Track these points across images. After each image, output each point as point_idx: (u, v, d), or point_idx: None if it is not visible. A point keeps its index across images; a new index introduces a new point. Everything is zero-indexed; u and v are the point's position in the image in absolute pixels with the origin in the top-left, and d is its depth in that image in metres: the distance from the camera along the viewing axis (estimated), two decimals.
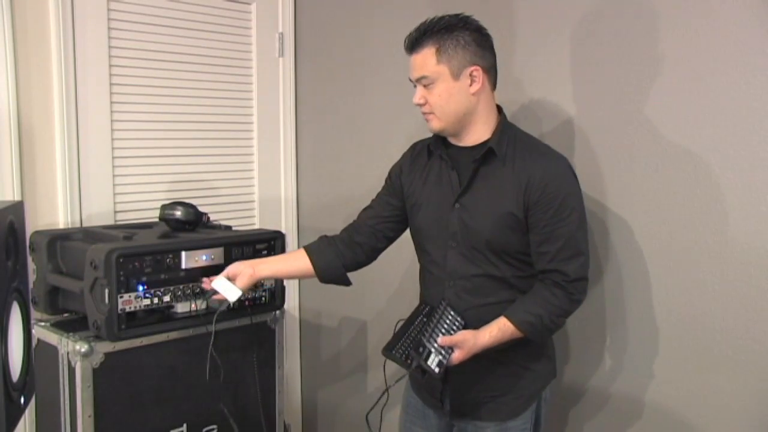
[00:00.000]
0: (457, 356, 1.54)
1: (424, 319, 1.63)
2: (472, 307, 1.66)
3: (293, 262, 1.88)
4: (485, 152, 1.62)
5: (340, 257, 1.83)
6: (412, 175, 1.79)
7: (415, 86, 1.65)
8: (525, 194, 1.57)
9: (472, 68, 1.58)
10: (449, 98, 1.60)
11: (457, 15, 1.60)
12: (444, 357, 1.51)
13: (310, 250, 1.85)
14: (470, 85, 1.59)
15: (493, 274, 1.64)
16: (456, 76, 1.58)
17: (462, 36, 1.58)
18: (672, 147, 1.76)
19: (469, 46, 1.58)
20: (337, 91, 2.64)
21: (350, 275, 1.86)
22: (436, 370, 1.48)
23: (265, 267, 1.85)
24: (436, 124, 1.64)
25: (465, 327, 1.61)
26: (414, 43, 1.61)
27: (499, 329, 1.58)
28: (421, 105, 1.64)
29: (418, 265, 1.91)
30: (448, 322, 1.60)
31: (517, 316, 1.59)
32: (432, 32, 1.58)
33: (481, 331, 1.58)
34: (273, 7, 2.69)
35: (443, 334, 1.55)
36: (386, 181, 1.87)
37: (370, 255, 1.86)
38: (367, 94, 2.53)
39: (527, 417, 1.68)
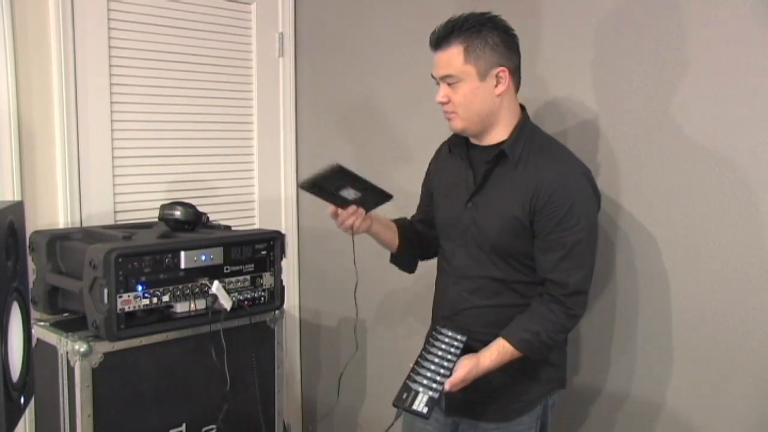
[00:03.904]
0: (454, 383, 1.52)
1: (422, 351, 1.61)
2: (476, 307, 1.66)
3: (393, 232, 1.86)
4: (497, 154, 1.61)
5: (418, 242, 1.88)
6: (437, 170, 1.83)
7: (437, 83, 1.62)
8: (532, 199, 1.55)
9: (499, 69, 1.56)
10: (473, 98, 1.57)
11: (484, 14, 1.58)
12: (435, 390, 1.49)
13: (400, 227, 1.87)
14: (495, 86, 1.57)
15: (496, 276, 1.63)
16: (482, 76, 1.56)
17: (491, 36, 1.55)
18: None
19: (497, 47, 1.55)
20: (337, 91, 2.64)
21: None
22: (425, 410, 1.46)
23: (378, 223, 1.82)
24: (458, 124, 1.62)
25: (465, 343, 1.59)
26: (441, 40, 1.57)
27: (498, 352, 1.56)
28: (444, 103, 1.61)
29: (419, 266, 1.91)
30: (444, 346, 1.59)
31: (514, 335, 1.56)
32: (460, 30, 1.55)
33: (482, 356, 1.56)
34: (273, 7, 2.69)
35: (440, 362, 1.54)
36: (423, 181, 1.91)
37: (431, 253, 1.90)
38: (367, 94, 2.53)
39: (530, 423, 1.67)
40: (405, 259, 1.91)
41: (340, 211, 1.70)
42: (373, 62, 2.50)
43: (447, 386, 1.51)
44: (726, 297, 1.70)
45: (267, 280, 2.05)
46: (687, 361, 1.79)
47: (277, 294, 2.09)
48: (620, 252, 1.88)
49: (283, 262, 2.11)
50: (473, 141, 1.68)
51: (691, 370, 1.78)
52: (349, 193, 1.69)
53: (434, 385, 1.50)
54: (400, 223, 1.90)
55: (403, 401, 1.47)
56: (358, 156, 2.58)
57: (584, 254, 1.56)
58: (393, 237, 1.86)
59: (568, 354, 1.77)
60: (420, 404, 1.47)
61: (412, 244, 1.88)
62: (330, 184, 1.66)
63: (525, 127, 1.63)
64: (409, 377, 1.52)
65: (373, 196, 1.72)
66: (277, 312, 2.12)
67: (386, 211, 1.89)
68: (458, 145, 1.71)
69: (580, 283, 1.56)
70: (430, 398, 1.48)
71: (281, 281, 2.10)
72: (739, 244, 1.67)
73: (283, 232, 2.16)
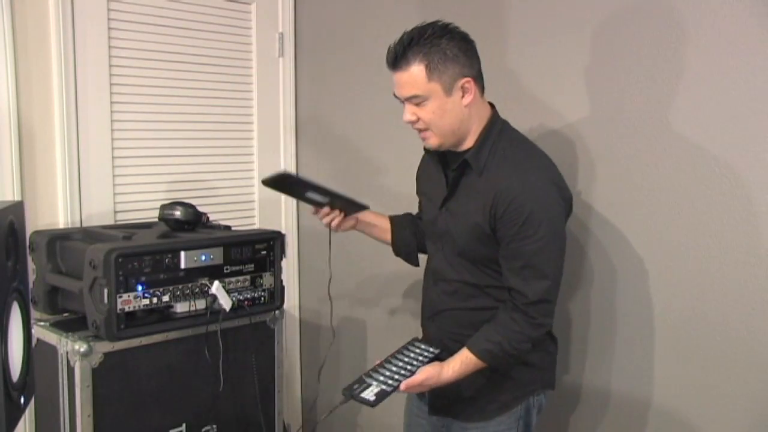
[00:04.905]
0: (410, 384, 1.53)
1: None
2: (453, 309, 1.68)
3: (384, 226, 1.91)
4: (461, 162, 1.60)
5: (415, 237, 1.89)
6: (422, 173, 1.84)
7: (402, 102, 1.58)
8: (492, 208, 1.54)
9: (464, 81, 1.53)
10: (443, 114, 1.54)
11: (435, 23, 1.53)
12: (389, 386, 1.51)
13: (393, 222, 1.91)
14: (462, 97, 1.54)
15: (469, 281, 1.64)
16: (448, 91, 1.52)
17: (449, 48, 1.50)
18: (669, 146, 1.76)
19: (458, 57, 1.51)
20: (337, 91, 2.64)
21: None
22: (372, 399, 1.48)
23: (364, 222, 1.88)
24: (433, 141, 1.59)
25: (439, 355, 1.62)
26: (399, 60, 1.52)
27: (461, 363, 1.57)
28: (412, 122, 1.57)
29: (418, 267, 1.92)
30: (413, 354, 1.63)
31: (477, 345, 1.56)
32: (418, 46, 1.50)
33: (445, 366, 1.57)
34: (273, 7, 2.69)
35: (404, 365, 1.57)
36: None
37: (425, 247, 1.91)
38: (367, 94, 2.53)
39: (510, 424, 1.67)
40: (403, 252, 1.92)
41: (317, 209, 1.78)
42: (373, 62, 2.49)
43: (402, 386, 1.52)
44: (726, 297, 1.70)
45: (267, 280, 2.05)
46: (687, 362, 1.79)
47: (277, 294, 2.09)
48: (620, 253, 1.88)
49: (283, 262, 2.11)
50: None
51: (691, 371, 1.78)
52: (316, 197, 1.75)
53: (390, 382, 1.52)
54: (397, 219, 1.92)
55: (352, 390, 1.50)
56: (358, 155, 2.58)
57: (546, 263, 1.53)
58: (383, 233, 1.90)
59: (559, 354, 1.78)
60: (369, 394, 1.48)
61: (407, 240, 1.89)
62: (291, 188, 1.78)
63: (491, 131, 1.60)
64: (366, 373, 1.54)
65: (345, 204, 1.77)
66: (277, 312, 2.12)
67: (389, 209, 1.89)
68: (432, 151, 1.70)
69: (542, 293, 1.53)
70: (382, 390, 1.49)
71: (281, 281, 2.10)
72: (739, 245, 1.67)
73: (283, 232, 2.15)
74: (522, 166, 1.56)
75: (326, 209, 1.77)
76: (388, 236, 1.91)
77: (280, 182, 1.75)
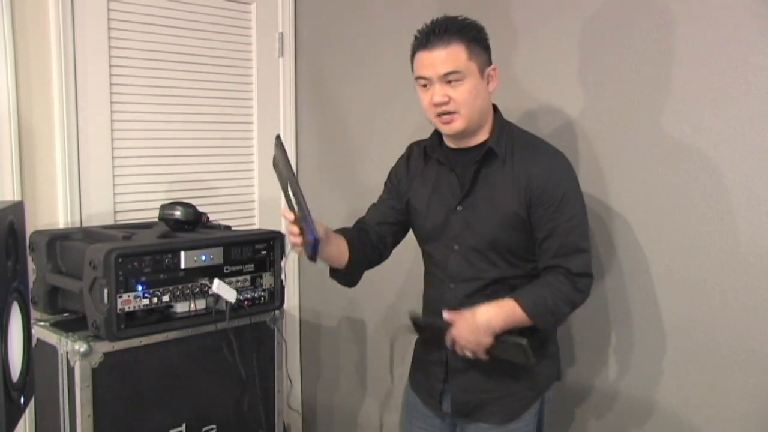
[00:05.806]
0: (456, 330, 1.57)
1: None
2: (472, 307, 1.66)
3: (343, 253, 1.68)
4: (486, 153, 1.61)
5: (366, 255, 1.74)
6: (408, 178, 1.78)
7: (424, 85, 1.58)
8: (526, 193, 1.57)
9: (491, 67, 1.59)
10: (477, 95, 1.56)
11: (457, 17, 1.58)
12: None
13: (351, 244, 1.69)
14: (487, 84, 1.59)
15: (494, 275, 1.63)
16: (482, 73, 1.57)
17: (479, 35, 1.58)
18: (676, 147, 1.76)
19: (487, 47, 1.59)
20: (337, 91, 2.64)
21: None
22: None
23: (332, 244, 1.65)
24: (459, 124, 1.57)
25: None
26: (438, 38, 1.53)
27: (499, 306, 1.55)
28: (443, 104, 1.55)
29: (418, 266, 1.91)
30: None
31: (522, 295, 1.57)
32: (457, 29, 1.54)
33: (478, 309, 1.56)
34: (273, 7, 2.69)
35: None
36: (386, 183, 1.84)
37: (377, 259, 1.79)
38: (367, 94, 2.53)
39: (529, 420, 1.67)
40: (352, 274, 1.74)
41: (287, 214, 1.50)
42: (373, 62, 2.49)
43: (447, 314, 1.58)
44: (725, 298, 1.70)
45: (267, 280, 2.05)
46: (688, 362, 1.79)
47: (277, 294, 2.09)
48: (620, 253, 1.88)
49: (283, 262, 2.11)
50: (451, 144, 1.67)
51: (691, 370, 1.78)
52: (292, 198, 1.47)
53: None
54: (353, 240, 1.71)
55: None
56: (357, 155, 2.58)
57: (582, 238, 1.59)
58: (340, 255, 1.68)
59: (561, 351, 1.78)
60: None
61: (361, 261, 1.72)
62: (286, 170, 1.47)
63: (503, 123, 1.66)
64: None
65: (305, 229, 1.46)
66: (277, 312, 2.12)
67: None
68: (435, 150, 1.70)
69: (583, 266, 1.58)
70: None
71: (281, 281, 2.10)
72: (739, 244, 1.67)
73: (283, 232, 2.15)
74: (545, 150, 1.63)
75: (294, 228, 1.50)
76: (344, 259, 1.68)
77: (278, 149, 1.48)
